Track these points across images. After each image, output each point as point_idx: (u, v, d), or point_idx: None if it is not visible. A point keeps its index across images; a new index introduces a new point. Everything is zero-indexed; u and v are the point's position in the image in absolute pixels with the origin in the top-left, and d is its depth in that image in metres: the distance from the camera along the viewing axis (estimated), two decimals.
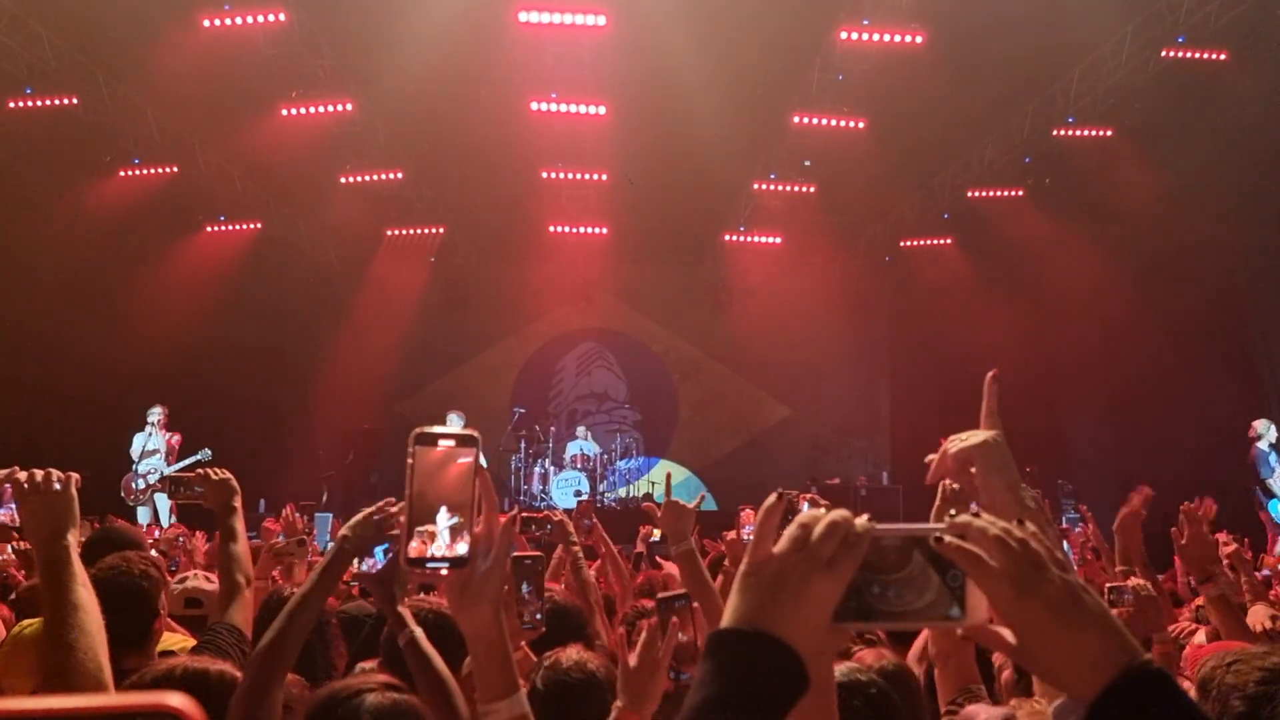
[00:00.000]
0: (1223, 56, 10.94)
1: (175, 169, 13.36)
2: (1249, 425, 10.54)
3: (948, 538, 0.95)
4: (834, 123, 12.50)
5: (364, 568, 2.44)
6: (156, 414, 11.45)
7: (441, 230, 15.95)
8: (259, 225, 15.15)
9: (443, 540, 1.35)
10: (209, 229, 14.89)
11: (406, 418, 14.11)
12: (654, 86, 11.66)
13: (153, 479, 11.09)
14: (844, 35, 11.01)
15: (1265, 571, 5.73)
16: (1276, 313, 12.29)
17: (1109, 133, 12.51)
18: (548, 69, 11.70)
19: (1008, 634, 0.95)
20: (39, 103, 11.44)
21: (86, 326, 12.67)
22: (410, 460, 1.34)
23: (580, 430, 15.35)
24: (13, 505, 8.10)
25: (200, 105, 12.01)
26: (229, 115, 12.20)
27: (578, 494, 13.67)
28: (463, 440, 1.37)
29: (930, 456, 1.61)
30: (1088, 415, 14.76)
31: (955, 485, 1.87)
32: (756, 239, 16.00)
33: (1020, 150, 13.36)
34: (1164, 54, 11.01)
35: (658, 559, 5.42)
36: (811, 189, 14.33)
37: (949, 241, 15.95)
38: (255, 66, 11.16)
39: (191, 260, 14.40)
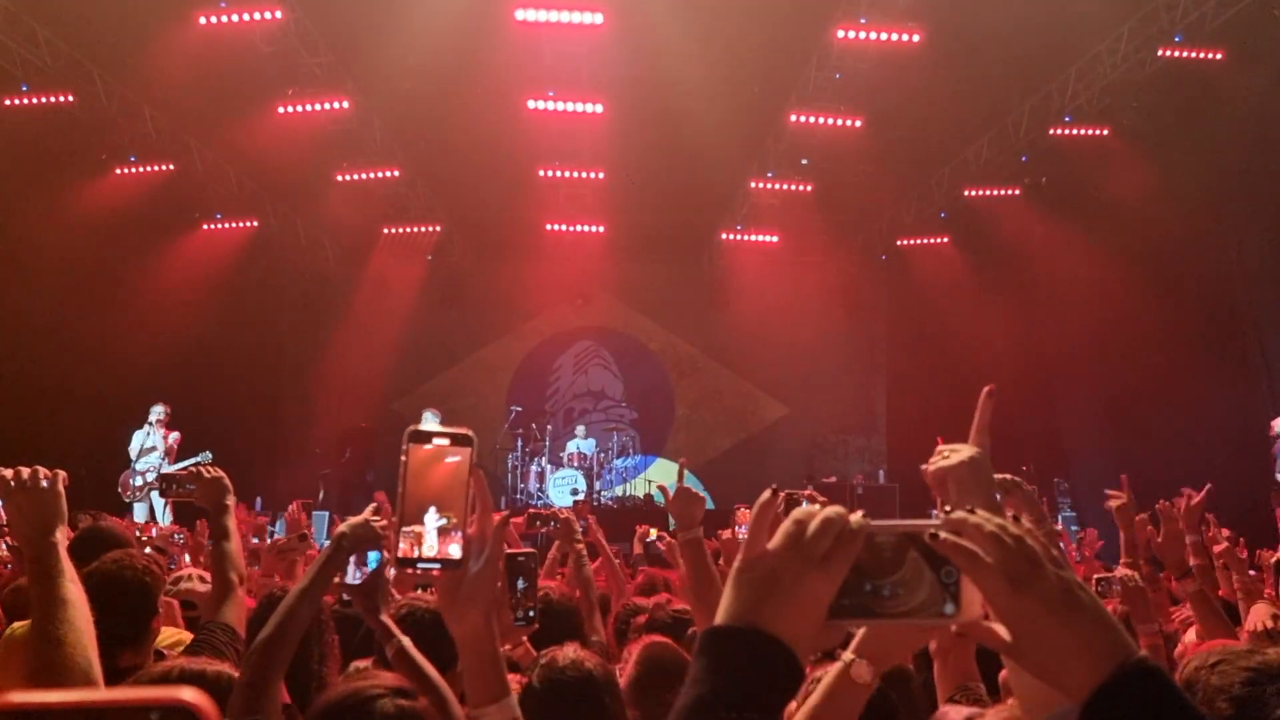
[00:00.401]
0: (1219, 56, 10.94)
1: (171, 167, 13.33)
2: (1267, 425, 10.52)
3: (943, 534, 0.94)
4: (831, 121, 12.48)
5: (350, 579, 2.44)
6: (158, 412, 11.40)
7: (438, 228, 15.91)
8: (255, 223, 15.12)
9: (431, 540, 1.33)
10: (205, 227, 14.84)
11: (403, 416, 14.08)
12: (651, 85, 11.67)
13: (150, 477, 11.07)
14: (841, 34, 11.02)
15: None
16: (1273, 310, 12.29)
17: (1105, 131, 12.52)
18: (545, 67, 11.70)
19: (1002, 630, 0.94)
20: (35, 100, 11.41)
21: (82, 324, 12.63)
22: (404, 458, 1.32)
23: (579, 429, 15.35)
24: None
25: (197, 103, 11.99)
26: (225, 113, 12.18)
27: (574, 492, 13.66)
28: (457, 439, 1.34)
29: (924, 466, 1.60)
30: (1084, 414, 14.76)
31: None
32: (753, 237, 15.98)
33: (1017, 149, 13.36)
34: (1161, 53, 11.02)
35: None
36: (808, 187, 14.31)
37: (945, 240, 15.95)
38: (251, 64, 11.14)
39: (188, 258, 14.33)
